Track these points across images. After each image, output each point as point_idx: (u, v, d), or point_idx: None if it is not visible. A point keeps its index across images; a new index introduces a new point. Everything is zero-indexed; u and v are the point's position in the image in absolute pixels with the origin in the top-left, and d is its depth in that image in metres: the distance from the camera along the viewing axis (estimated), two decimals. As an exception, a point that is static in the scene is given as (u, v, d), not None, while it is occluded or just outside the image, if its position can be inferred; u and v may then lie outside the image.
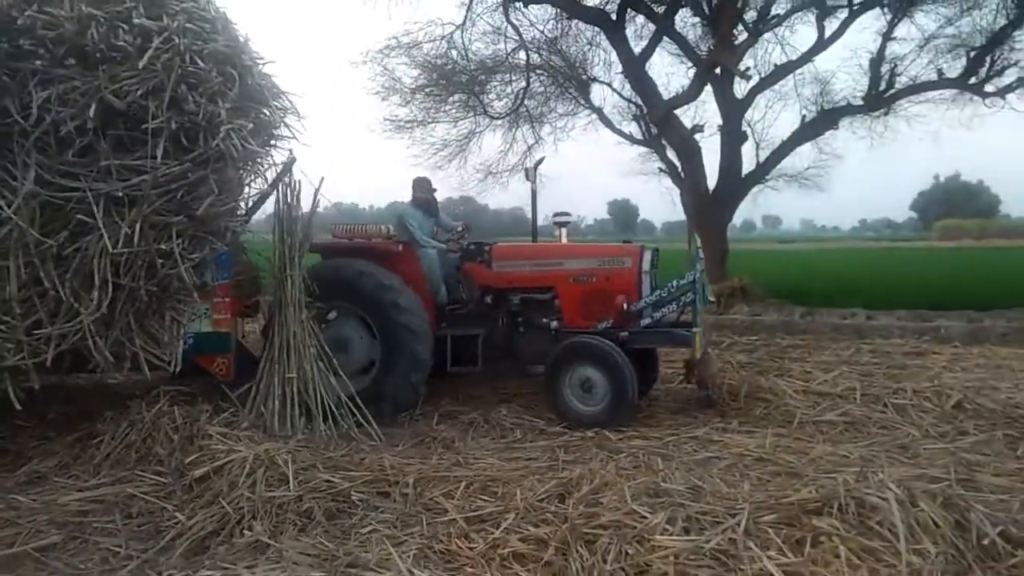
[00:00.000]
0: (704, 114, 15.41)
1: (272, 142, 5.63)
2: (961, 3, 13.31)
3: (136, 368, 4.95)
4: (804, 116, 14.68)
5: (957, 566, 3.04)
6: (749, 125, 14.84)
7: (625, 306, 6.19)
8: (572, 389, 6.11)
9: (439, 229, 7.65)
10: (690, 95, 13.75)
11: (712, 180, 14.21)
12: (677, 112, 14.13)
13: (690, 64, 14.70)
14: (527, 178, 7.51)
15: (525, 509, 3.99)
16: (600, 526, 3.66)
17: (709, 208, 14.06)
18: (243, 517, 4.03)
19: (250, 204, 5.82)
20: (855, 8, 13.85)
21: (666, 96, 14.29)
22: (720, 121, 14.50)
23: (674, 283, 6.35)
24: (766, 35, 14.64)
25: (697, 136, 14.23)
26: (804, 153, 15.65)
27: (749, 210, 21.37)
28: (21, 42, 4.53)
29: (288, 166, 5.92)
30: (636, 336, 6.31)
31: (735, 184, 14.39)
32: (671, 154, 14.81)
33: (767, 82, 14.64)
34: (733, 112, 14.40)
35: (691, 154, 13.99)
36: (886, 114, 14.45)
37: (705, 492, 4.06)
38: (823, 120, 14.52)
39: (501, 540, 3.71)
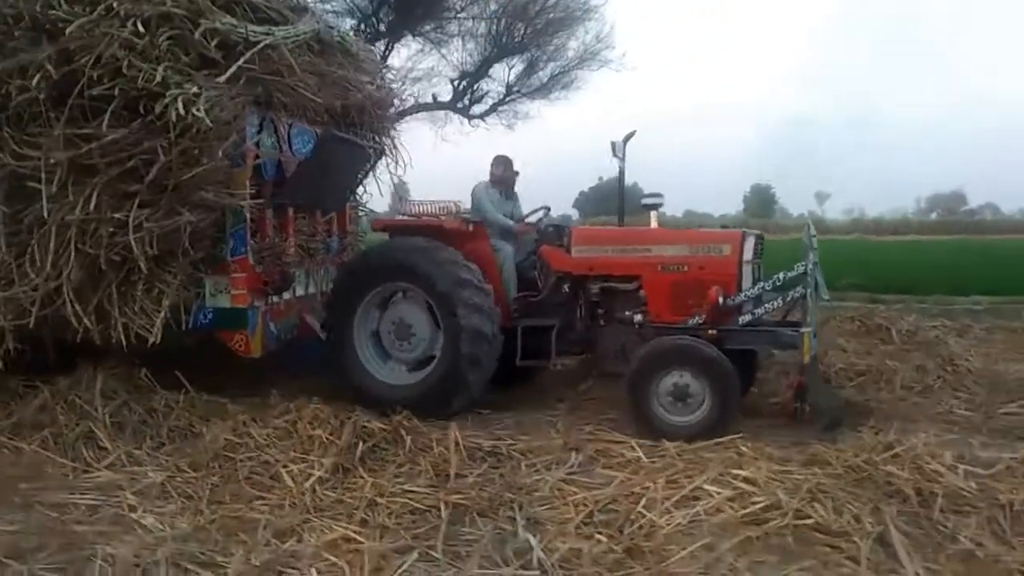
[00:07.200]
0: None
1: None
2: (429, 43, 17.06)
3: (126, 337, 4.87)
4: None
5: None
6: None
7: (720, 300, 5.28)
8: (661, 397, 5.17)
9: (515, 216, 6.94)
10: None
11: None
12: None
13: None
14: (614, 153, 6.19)
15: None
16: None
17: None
18: None
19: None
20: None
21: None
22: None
23: (781, 275, 5.44)
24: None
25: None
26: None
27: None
28: None
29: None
30: (732, 335, 5.36)
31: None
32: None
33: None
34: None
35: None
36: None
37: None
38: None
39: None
